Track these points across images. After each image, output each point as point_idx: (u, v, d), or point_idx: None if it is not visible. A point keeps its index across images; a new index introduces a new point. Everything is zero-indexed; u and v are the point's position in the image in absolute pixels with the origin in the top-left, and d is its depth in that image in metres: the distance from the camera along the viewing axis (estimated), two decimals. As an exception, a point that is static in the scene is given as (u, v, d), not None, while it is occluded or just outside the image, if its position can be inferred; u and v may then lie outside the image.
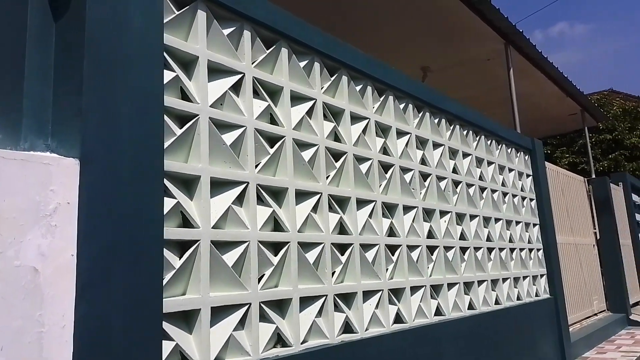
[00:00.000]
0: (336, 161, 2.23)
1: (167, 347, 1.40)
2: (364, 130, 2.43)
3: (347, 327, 2.11)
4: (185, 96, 1.66)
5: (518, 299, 3.62)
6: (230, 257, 1.67)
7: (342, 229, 2.19)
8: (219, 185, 1.70)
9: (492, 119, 3.70)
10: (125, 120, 1.37)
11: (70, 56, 1.36)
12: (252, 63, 1.91)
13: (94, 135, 1.29)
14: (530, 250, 4.04)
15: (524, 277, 3.80)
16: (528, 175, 4.33)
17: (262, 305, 1.73)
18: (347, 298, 2.14)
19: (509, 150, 4.05)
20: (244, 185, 1.76)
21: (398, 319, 2.40)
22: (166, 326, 1.42)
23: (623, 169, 14.08)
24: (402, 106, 2.76)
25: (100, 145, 1.30)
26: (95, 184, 1.27)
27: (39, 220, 1.15)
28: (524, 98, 5.40)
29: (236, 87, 1.84)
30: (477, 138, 3.56)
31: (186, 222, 1.58)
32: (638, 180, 9.81)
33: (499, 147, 3.89)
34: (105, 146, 1.31)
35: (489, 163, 3.66)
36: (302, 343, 1.85)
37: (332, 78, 2.30)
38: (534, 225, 4.22)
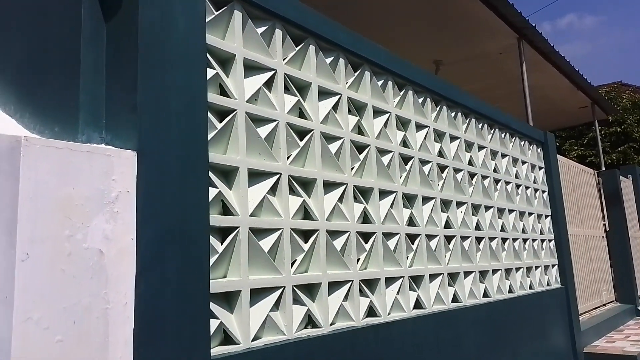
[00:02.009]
0: (359, 153, 2.33)
1: (212, 324, 1.51)
2: (385, 124, 2.53)
3: (371, 311, 2.21)
4: (223, 92, 1.76)
5: (530, 287, 3.72)
6: (266, 243, 1.78)
7: (365, 218, 2.30)
8: (254, 176, 1.80)
9: (504, 111, 3.77)
10: (174, 116, 1.47)
11: (122, 55, 1.46)
12: (283, 60, 2.00)
13: (148, 129, 1.39)
14: (542, 241, 4.12)
15: (536, 267, 3.90)
16: (540, 168, 4.41)
17: (294, 288, 1.84)
18: (370, 284, 2.24)
19: (522, 143, 4.13)
20: (277, 176, 1.86)
21: (417, 304, 2.50)
22: (211, 306, 1.53)
23: (632, 161, 14.06)
24: (420, 100, 2.85)
25: (153, 138, 1.40)
26: (150, 174, 1.38)
27: (103, 207, 1.27)
28: (535, 91, 5.46)
29: (268, 83, 1.94)
30: (492, 131, 3.64)
31: (226, 210, 1.69)
32: (648, 173, 9.83)
33: (513, 139, 3.97)
34: (157, 139, 1.41)
35: (503, 155, 3.74)
36: (330, 325, 1.96)
37: (356, 74, 2.40)
38: (546, 216, 4.30)
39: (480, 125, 3.48)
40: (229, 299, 1.65)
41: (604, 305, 6.07)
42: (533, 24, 4.70)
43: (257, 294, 1.73)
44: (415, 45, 5.11)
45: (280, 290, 1.78)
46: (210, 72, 1.67)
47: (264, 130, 1.86)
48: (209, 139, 1.60)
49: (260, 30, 1.91)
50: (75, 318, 1.17)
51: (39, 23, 1.68)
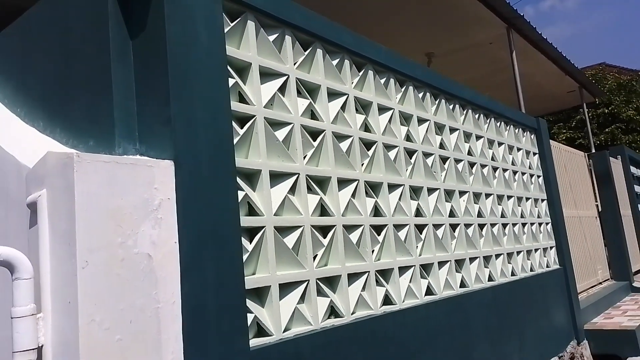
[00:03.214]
0: (368, 150, 2.43)
1: (247, 318, 1.62)
2: (390, 120, 2.63)
3: (387, 299, 2.33)
4: (242, 99, 1.85)
5: (531, 270, 3.86)
6: (289, 240, 1.88)
7: (376, 211, 2.41)
8: (274, 177, 1.90)
9: (496, 99, 3.89)
10: (202, 125, 1.57)
11: (152, 71, 1.55)
12: (294, 65, 2.10)
13: (181, 139, 1.49)
14: (540, 224, 4.27)
15: (536, 250, 4.04)
16: (535, 154, 4.55)
17: (317, 281, 1.95)
18: (385, 274, 2.36)
19: (517, 130, 4.26)
20: (295, 176, 1.97)
21: (429, 291, 2.62)
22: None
23: (619, 141, 14.32)
24: (420, 95, 2.96)
25: (186, 147, 1.50)
26: (186, 182, 1.47)
27: (148, 214, 1.36)
28: (525, 78, 5.59)
29: (282, 88, 2.03)
30: (488, 121, 3.76)
31: (251, 211, 1.79)
32: (635, 153, 10.06)
33: (508, 128, 4.10)
34: (190, 148, 1.51)
35: (499, 144, 3.87)
36: (352, 314, 2.07)
37: (360, 73, 2.50)
38: (542, 200, 4.45)
39: (476, 116, 3.60)
40: (259, 294, 1.76)
41: (600, 283, 6.25)
42: (521, 14, 4.82)
43: (284, 288, 1.83)
44: (407, 38, 5.21)
45: (305, 283, 1.89)
46: (230, 81, 1.77)
47: (281, 134, 1.96)
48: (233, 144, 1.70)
49: (271, 37, 2.01)
50: (132, 318, 1.28)
51: (64, 43, 1.76)
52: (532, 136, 4.60)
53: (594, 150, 8.04)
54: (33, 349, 1.23)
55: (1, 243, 1.40)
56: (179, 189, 1.45)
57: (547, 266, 4.19)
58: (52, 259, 1.28)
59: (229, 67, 1.78)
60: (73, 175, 1.23)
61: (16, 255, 1.22)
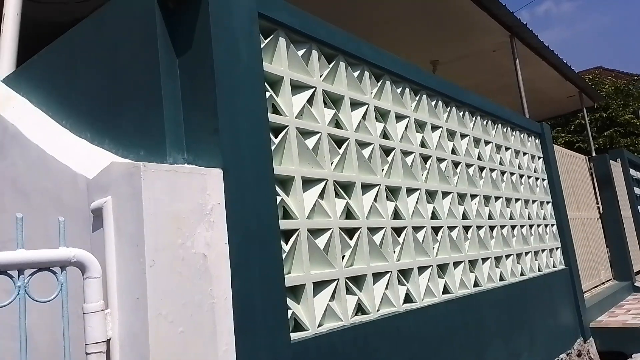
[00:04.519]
0: (387, 156, 2.57)
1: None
2: (406, 127, 2.77)
3: (407, 298, 2.45)
4: (275, 110, 1.99)
5: (539, 270, 3.99)
6: (320, 242, 2.01)
7: (396, 214, 2.54)
8: (305, 183, 2.03)
9: (499, 104, 4.03)
10: (245, 135, 1.70)
11: (199, 86, 1.68)
12: (320, 77, 2.24)
13: (228, 149, 1.62)
14: (546, 225, 4.41)
15: (542, 250, 4.17)
16: (539, 158, 4.69)
17: (346, 280, 2.08)
18: (405, 273, 2.49)
19: (522, 135, 4.41)
20: (324, 182, 2.10)
21: (445, 290, 2.75)
22: (285, 298, 1.76)
23: (618, 145, 14.49)
24: (433, 103, 3.10)
25: (232, 156, 1.63)
26: (233, 188, 1.60)
27: (202, 217, 1.49)
28: (526, 83, 5.74)
29: (309, 99, 2.17)
30: (495, 126, 3.90)
31: (286, 214, 1.92)
32: (634, 156, 10.22)
33: (514, 133, 4.24)
34: (235, 157, 1.64)
35: (507, 148, 4.01)
36: (377, 311, 2.20)
37: (378, 84, 2.64)
38: (547, 203, 4.59)
39: (485, 122, 3.74)
40: (295, 292, 1.88)
41: (603, 283, 6.38)
42: (524, 22, 4.98)
43: (317, 286, 1.96)
44: (413, 47, 5.36)
45: (335, 282, 2.02)
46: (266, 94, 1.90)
47: (310, 142, 2.09)
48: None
49: (300, 52, 2.14)
50: (192, 312, 1.40)
51: (111, 60, 1.89)
52: (537, 141, 4.74)
53: (594, 154, 8.19)
54: (103, 342, 1.36)
55: (57, 246, 1.52)
56: (227, 195, 1.58)
57: (554, 266, 4.32)
58: (119, 259, 1.40)
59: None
60: (140, 183, 1.35)
61: (87, 256, 1.35)
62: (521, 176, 4.15)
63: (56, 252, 1.28)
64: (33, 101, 2.27)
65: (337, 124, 2.31)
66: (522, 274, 3.68)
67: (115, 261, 1.41)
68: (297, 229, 1.90)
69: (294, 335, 1.76)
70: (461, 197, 3.16)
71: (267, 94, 1.91)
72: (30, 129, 2.03)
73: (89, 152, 1.85)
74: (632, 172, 8.84)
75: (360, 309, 2.16)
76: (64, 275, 1.29)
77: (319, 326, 1.89)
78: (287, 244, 1.87)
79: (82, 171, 1.70)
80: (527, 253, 3.86)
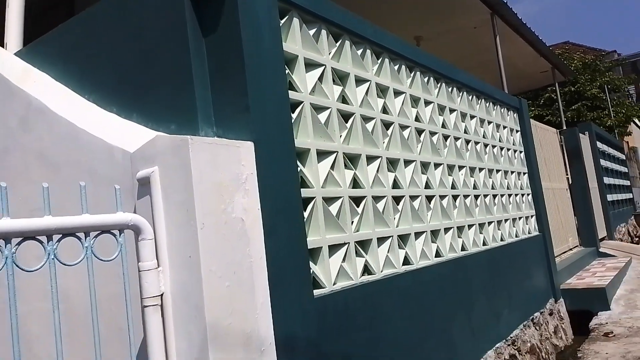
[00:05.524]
0: (387, 130, 2.75)
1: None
2: (403, 103, 2.95)
3: (405, 260, 2.68)
4: (291, 87, 2.13)
5: (516, 236, 4.30)
6: (333, 209, 2.20)
7: (395, 184, 2.74)
8: (318, 155, 2.20)
9: (479, 79, 4.23)
10: (270, 111, 1.85)
11: (227, 66, 1.82)
12: (329, 55, 2.38)
13: (257, 124, 1.77)
14: (522, 195, 4.71)
15: (519, 218, 4.48)
16: (517, 131, 4.96)
17: (355, 244, 2.28)
18: (403, 238, 2.71)
19: (502, 110, 4.65)
20: (334, 154, 2.27)
21: (437, 253, 2.99)
22: (306, 259, 1.95)
23: (585, 118, 15.05)
24: (426, 79, 3.29)
25: (260, 131, 1.78)
26: (263, 159, 1.76)
27: (239, 186, 1.66)
28: (504, 60, 5.98)
29: (320, 77, 2.31)
30: (479, 101, 4.13)
31: (303, 184, 2.09)
32: (601, 129, 10.73)
33: (495, 107, 4.48)
34: (263, 131, 1.80)
35: (489, 122, 4.25)
36: (381, 272, 2.42)
37: (379, 61, 2.80)
38: (524, 173, 4.89)
39: (470, 97, 3.95)
40: (312, 254, 2.07)
41: (571, 249, 6.82)
42: (505, 0, 5.18)
43: (330, 249, 2.15)
44: (397, 22, 5.50)
45: (346, 246, 2.22)
46: (283, 72, 2.04)
47: (322, 117, 2.25)
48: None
49: (311, 32, 2.28)
50: (235, 269, 1.58)
51: (138, 39, 2.00)
52: (515, 115, 5.00)
53: (564, 127, 8.58)
54: (158, 296, 1.52)
55: (93, 212, 1.66)
56: (258, 165, 1.74)
57: (529, 233, 4.65)
58: (167, 222, 1.56)
59: (281, 60, 2.06)
60: (189, 155, 1.50)
61: (141, 220, 1.50)
62: (501, 149, 4.42)
63: (116, 216, 1.43)
64: (51, 75, 2.34)
65: (344, 99, 2.47)
66: (502, 240, 3.98)
67: (164, 224, 1.56)
68: (314, 197, 2.08)
69: (316, 292, 1.96)
70: (450, 168, 3.39)
71: (285, 72, 2.05)
72: (57, 104, 2.12)
73: (120, 126, 1.97)
74: (599, 144, 9.32)
75: (366, 269, 2.38)
76: (122, 237, 1.44)
77: (333, 284, 2.09)
78: (305, 210, 2.05)
79: (118, 144, 1.83)
80: (506, 220, 4.15)
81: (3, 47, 2.63)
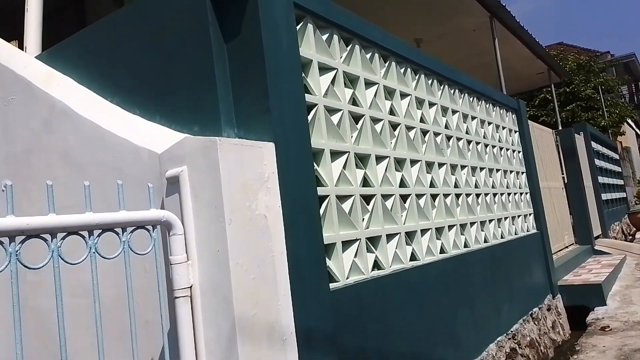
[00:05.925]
0: (394, 131, 2.85)
1: (324, 268, 2.04)
2: (408, 104, 3.06)
3: (412, 256, 2.79)
4: (306, 90, 2.23)
5: (515, 233, 4.42)
6: (346, 207, 2.30)
7: (402, 183, 2.84)
8: (331, 155, 2.30)
9: (477, 80, 4.34)
10: (288, 113, 1.95)
11: (248, 70, 1.91)
12: (340, 59, 2.48)
13: (277, 125, 1.87)
14: (521, 194, 4.83)
15: (518, 216, 4.60)
16: (515, 131, 5.08)
17: (366, 240, 2.38)
18: (410, 235, 2.81)
19: (502, 111, 4.77)
20: (346, 155, 2.37)
21: (441, 250, 3.10)
22: (322, 254, 2.05)
23: (579, 118, 15.24)
24: (429, 82, 3.39)
25: (280, 132, 1.88)
26: (283, 159, 1.86)
27: (262, 184, 1.75)
28: (502, 61, 6.10)
29: (332, 80, 2.41)
30: (479, 103, 4.24)
31: (318, 183, 2.19)
32: (595, 130, 10.89)
33: (494, 109, 4.59)
34: (282, 132, 1.89)
35: (489, 123, 4.36)
36: (390, 267, 2.52)
37: (386, 64, 2.90)
38: (522, 173, 5.01)
39: (471, 99, 4.07)
40: (326, 250, 2.17)
41: (567, 247, 6.96)
42: (503, 4, 5.29)
43: (343, 245, 2.25)
44: (398, 25, 5.61)
45: (358, 242, 2.32)
46: (299, 76, 2.14)
47: (334, 119, 2.35)
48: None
49: (324, 37, 2.38)
50: (259, 263, 1.68)
51: (159, 43, 2.09)
52: (513, 116, 5.12)
53: (560, 127, 8.73)
54: (187, 287, 1.62)
55: (117, 210, 1.74)
56: (279, 165, 1.83)
57: (528, 230, 4.77)
58: (196, 219, 1.65)
59: (297, 64, 2.15)
60: (217, 155, 1.60)
61: (172, 216, 1.59)
62: (501, 149, 4.53)
63: (150, 213, 1.52)
64: (73, 79, 2.43)
65: (354, 102, 2.57)
66: (502, 237, 4.09)
67: (193, 220, 1.65)
68: (328, 195, 2.18)
69: (331, 285, 2.06)
70: (453, 167, 3.50)
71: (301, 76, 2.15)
72: (81, 106, 2.21)
73: (145, 127, 2.06)
74: (594, 144, 9.48)
75: (376, 264, 2.48)
76: (155, 232, 1.54)
77: (347, 278, 2.19)
78: (320, 208, 2.14)
79: (144, 144, 1.92)
80: (505, 218, 4.27)
81: (23, 50, 2.71)
